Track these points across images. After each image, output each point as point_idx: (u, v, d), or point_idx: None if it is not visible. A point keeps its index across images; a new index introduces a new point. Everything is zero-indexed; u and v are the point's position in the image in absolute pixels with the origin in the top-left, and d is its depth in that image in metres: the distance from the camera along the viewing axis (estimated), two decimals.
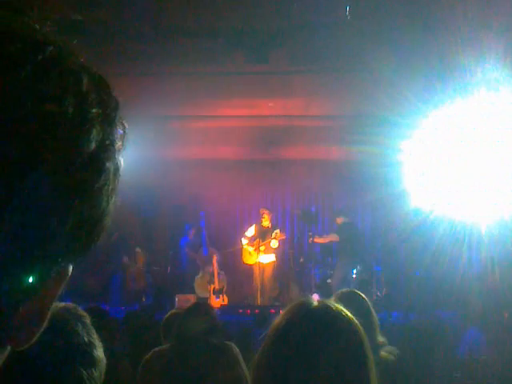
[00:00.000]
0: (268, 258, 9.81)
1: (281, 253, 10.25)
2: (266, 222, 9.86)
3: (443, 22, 6.00)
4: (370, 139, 8.45)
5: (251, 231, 9.96)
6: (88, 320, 1.61)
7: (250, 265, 9.94)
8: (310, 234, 9.75)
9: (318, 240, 9.83)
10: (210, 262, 10.09)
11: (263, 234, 9.79)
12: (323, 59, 6.90)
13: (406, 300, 9.20)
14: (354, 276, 9.32)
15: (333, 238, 9.55)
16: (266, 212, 9.93)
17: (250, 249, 9.85)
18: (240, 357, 3.23)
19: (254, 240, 9.83)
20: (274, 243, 9.74)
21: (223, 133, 9.85)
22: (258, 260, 9.70)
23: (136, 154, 10.25)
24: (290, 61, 7.01)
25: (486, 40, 5.58)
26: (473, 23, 5.49)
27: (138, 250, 10.71)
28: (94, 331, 1.62)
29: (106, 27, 6.33)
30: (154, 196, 10.87)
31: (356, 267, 9.30)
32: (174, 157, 11.13)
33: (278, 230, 9.93)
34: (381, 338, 2.79)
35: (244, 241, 10.00)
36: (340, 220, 9.55)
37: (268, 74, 7.48)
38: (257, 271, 9.74)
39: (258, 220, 10.08)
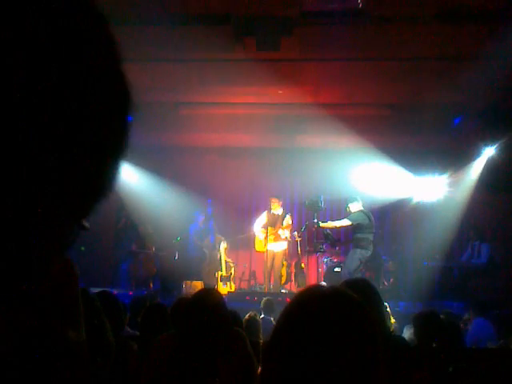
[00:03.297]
0: (280, 247, 9.64)
1: (290, 241, 10.18)
2: (276, 210, 9.67)
3: None
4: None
5: (263, 219, 9.75)
6: (98, 303, 1.63)
7: (262, 252, 9.74)
8: (315, 221, 9.35)
9: (326, 225, 9.36)
10: (218, 249, 10.09)
11: (273, 222, 9.66)
12: (334, 47, 6.85)
13: (412, 290, 9.17)
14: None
15: (344, 223, 9.11)
16: (274, 200, 9.71)
17: (261, 236, 9.75)
18: (248, 343, 3.24)
19: (266, 228, 9.70)
20: (283, 232, 9.58)
21: (232, 120, 9.81)
22: (267, 248, 9.58)
23: (146, 141, 10.26)
24: (300, 48, 6.95)
25: None
26: None
27: (150, 230, 10.69)
28: (103, 315, 1.63)
29: (115, 12, 6.30)
30: (162, 182, 10.89)
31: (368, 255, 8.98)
32: (183, 144, 11.13)
33: (288, 216, 9.82)
34: (390, 327, 2.79)
35: (256, 228, 9.81)
36: (353, 207, 9.26)
37: (279, 62, 7.43)
38: (266, 259, 9.63)
39: (268, 207, 9.87)
